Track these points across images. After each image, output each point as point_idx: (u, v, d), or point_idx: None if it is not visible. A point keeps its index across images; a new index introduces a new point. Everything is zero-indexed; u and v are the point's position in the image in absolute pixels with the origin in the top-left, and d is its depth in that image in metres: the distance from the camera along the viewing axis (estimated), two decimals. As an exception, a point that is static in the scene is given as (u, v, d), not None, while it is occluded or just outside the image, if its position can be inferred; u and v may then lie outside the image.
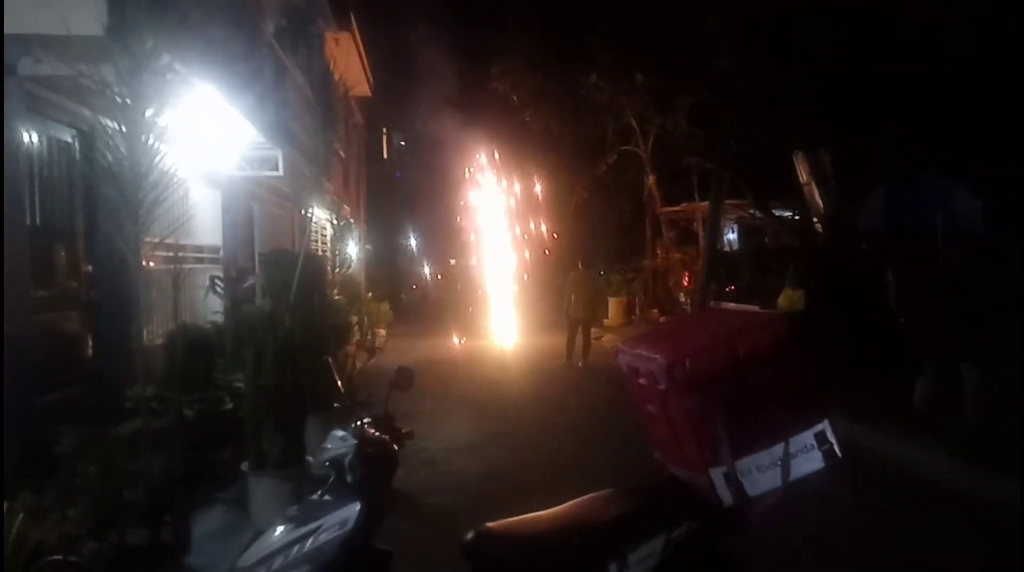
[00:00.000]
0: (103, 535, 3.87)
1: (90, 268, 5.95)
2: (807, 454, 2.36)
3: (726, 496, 2.32)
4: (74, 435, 4.22)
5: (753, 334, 2.33)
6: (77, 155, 5.86)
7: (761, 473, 2.34)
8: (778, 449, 2.34)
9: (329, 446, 2.49)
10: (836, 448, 2.37)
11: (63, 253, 5.78)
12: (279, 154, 8.61)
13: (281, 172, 8.72)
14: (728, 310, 2.72)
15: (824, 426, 2.38)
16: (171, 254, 5.89)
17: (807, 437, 2.36)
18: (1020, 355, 6.05)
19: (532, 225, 24.08)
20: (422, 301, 31.82)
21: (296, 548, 2.25)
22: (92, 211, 5.89)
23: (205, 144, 7.21)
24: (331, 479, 2.39)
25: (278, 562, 2.23)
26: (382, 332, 15.95)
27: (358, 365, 11.21)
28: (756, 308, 9.05)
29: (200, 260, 7.97)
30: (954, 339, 6.71)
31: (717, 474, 2.32)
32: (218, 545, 4.46)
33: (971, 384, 6.50)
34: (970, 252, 7.10)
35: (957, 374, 6.76)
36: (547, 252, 21.91)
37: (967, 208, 7.40)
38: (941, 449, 6.04)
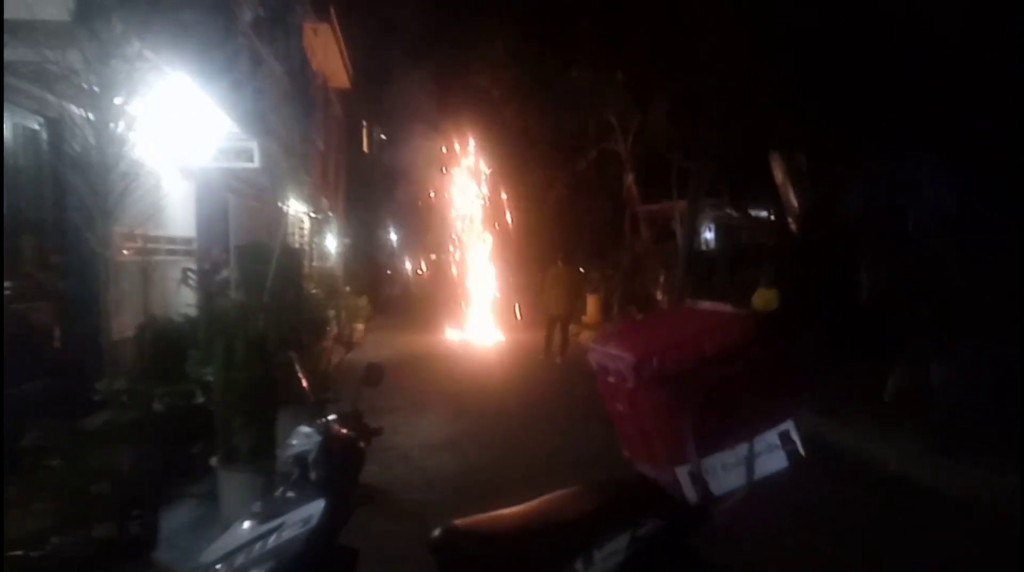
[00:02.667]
0: (69, 530, 3.80)
1: (59, 259, 5.83)
2: (771, 453, 2.38)
3: (691, 494, 2.33)
4: (39, 428, 4.14)
5: (720, 332, 2.34)
6: (45, 144, 5.73)
7: (726, 472, 2.35)
8: (743, 448, 2.35)
9: (294, 442, 2.46)
10: (800, 448, 2.39)
11: (31, 243, 5.66)
12: (255, 145, 8.50)
13: (257, 164, 8.60)
14: (697, 308, 2.71)
15: (788, 426, 2.40)
16: (142, 245, 5.79)
17: (772, 437, 2.38)
18: (997, 345, 6.12)
19: (511, 221, 24.00)
20: (402, 296, 31.71)
21: (259, 545, 2.22)
22: (61, 201, 5.77)
23: (178, 134, 7.09)
24: (295, 476, 2.37)
25: (240, 559, 2.20)
26: (360, 327, 15.84)
27: (334, 360, 11.12)
28: (728, 306, 9.14)
29: (173, 252, 7.84)
30: (925, 333, 6.81)
31: (683, 472, 2.33)
32: (187, 539, 4.39)
33: (939, 378, 6.61)
34: (942, 245, 7.21)
35: (927, 368, 6.88)
36: (523, 237, 21.90)
37: (938, 202, 7.52)
38: (910, 442, 6.15)
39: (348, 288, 15.79)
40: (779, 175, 11.57)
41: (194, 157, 8.02)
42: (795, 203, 11.33)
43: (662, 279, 16.96)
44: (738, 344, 2.33)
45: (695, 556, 2.49)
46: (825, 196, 10.51)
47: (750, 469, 2.33)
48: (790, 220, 11.65)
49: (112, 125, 4.03)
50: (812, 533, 4.59)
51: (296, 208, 13.64)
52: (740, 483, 2.34)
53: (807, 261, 10.05)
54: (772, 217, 13.17)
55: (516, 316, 18.10)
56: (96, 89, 3.93)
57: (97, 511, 4.13)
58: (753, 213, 14.58)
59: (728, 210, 15.18)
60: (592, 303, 18.27)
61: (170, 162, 7.42)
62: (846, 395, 7.81)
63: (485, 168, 20.91)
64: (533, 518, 2.48)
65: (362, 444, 2.53)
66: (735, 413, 2.35)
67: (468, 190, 21.03)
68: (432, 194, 24.49)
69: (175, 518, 4.85)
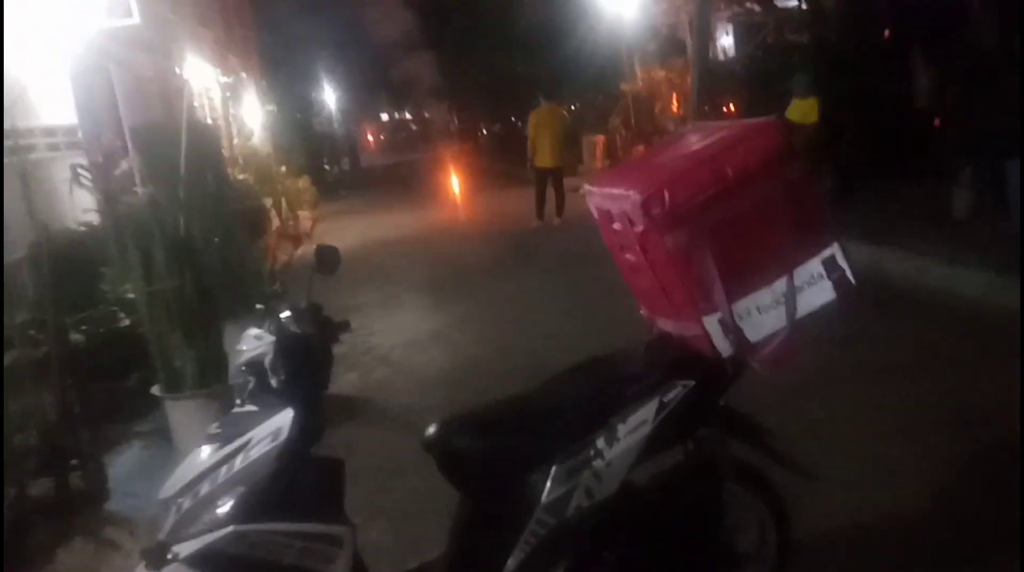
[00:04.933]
0: (-2, 491, 3.97)
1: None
2: (815, 285, 2.43)
3: (724, 346, 2.41)
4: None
5: (741, 148, 2.34)
6: None
7: (763, 314, 2.42)
8: (781, 284, 2.41)
9: (244, 348, 2.52)
10: (849, 274, 2.44)
11: None
12: (132, -6, 8.10)
13: (137, 19, 8.23)
14: (711, 125, 2.71)
15: (834, 250, 2.44)
16: (12, 143, 5.64)
17: (814, 266, 2.43)
18: None
19: (475, 55, 23.21)
20: (353, 170, 31.49)
21: (224, 469, 2.32)
22: None
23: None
24: (252, 386, 2.44)
25: (205, 487, 2.31)
26: (306, 214, 15.82)
27: (281, 258, 11.17)
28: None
29: (55, 147, 7.64)
30: (997, 131, 6.82)
31: (712, 322, 2.40)
32: (142, 485, 4.60)
33: (1016, 182, 6.69)
34: (1011, 23, 7.09)
35: (1001, 174, 6.96)
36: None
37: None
38: (983, 264, 6.31)
39: (283, 168, 15.60)
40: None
41: (56, 19, 7.65)
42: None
43: (674, 106, 16.74)
44: (764, 160, 2.33)
45: (734, 417, 2.63)
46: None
47: (791, 307, 2.40)
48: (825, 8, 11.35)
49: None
50: (868, 377, 4.81)
51: (199, 73, 13.19)
52: (781, 324, 2.41)
53: (849, 57, 9.88)
54: (803, 5, 12.77)
55: (501, 175, 18.02)
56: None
57: (29, 466, 4.29)
58: (780, 4, 14.14)
59: (748, 4, 14.68)
60: (592, 147, 18.13)
61: (26, 29, 7.09)
62: (906, 218, 7.94)
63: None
64: (543, 398, 2.60)
65: (328, 340, 2.60)
66: (768, 244, 2.39)
67: (419, 23, 20.30)
68: (376, 37, 23.63)
69: (123, 463, 5.07)
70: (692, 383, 2.50)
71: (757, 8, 13.97)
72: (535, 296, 8.43)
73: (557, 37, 20.66)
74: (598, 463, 2.42)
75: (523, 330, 7.16)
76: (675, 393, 2.49)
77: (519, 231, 12.65)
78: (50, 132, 7.54)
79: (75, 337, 5.44)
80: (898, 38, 10.11)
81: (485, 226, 14.15)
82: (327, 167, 27.83)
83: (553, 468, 2.41)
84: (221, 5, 16.95)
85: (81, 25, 7.98)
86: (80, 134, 8.09)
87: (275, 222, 13.39)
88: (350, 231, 15.05)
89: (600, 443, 2.43)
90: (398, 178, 27.41)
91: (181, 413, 4.72)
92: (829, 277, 2.44)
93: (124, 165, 7.55)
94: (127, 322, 5.78)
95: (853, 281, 2.45)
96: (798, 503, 2.80)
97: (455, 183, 19.05)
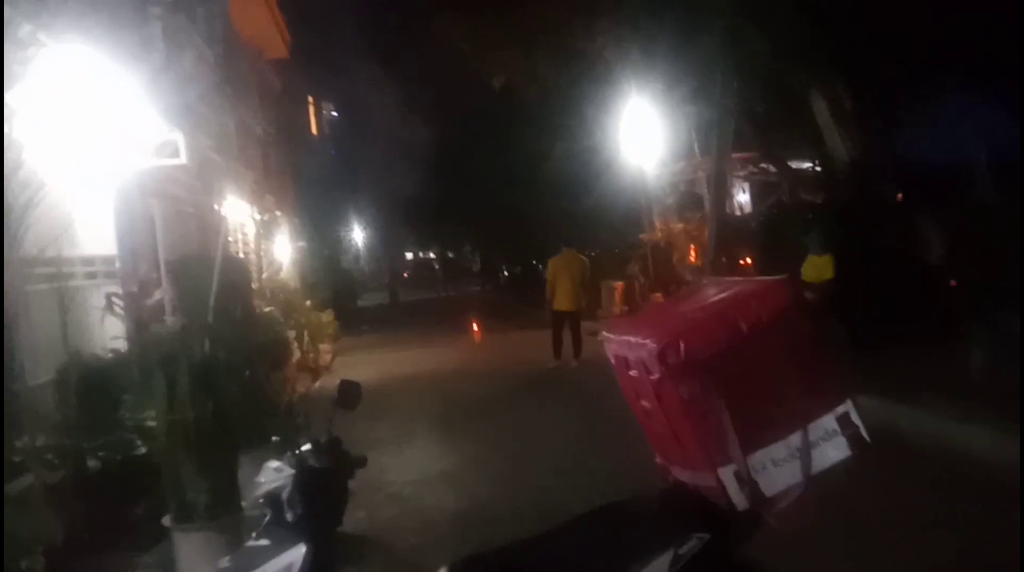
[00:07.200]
0: (-2, 618, 3.88)
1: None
2: (830, 441, 2.45)
3: (739, 499, 2.40)
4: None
5: (755, 303, 2.41)
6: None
7: (778, 468, 2.42)
8: (795, 438, 2.42)
9: (263, 480, 2.53)
10: (863, 432, 2.46)
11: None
12: (180, 137, 8.57)
13: (184, 159, 8.67)
14: (725, 280, 2.81)
15: (847, 407, 2.47)
16: (55, 270, 5.84)
17: (828, 421, 2.45)
18: None
19: (502, 202, 24.02)
20: (391, 305, 32.08)
21: (232, 606, 2.30)
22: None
23: (86, 131, 7.15)
24: (267, 518, 2.44)
25: (211, 624, 2.28)
26: (327, 348, 15.95)
27: (299, 390, 11.20)
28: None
29: (92, 275, 7.89)
30: (1011, 294, 6.91)
31: (726, 473, 2.40)
32: (142, 619, 4.48)
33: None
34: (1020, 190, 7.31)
35: (1018, 333, 6.97)
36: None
37: (1013, 135, 7.61)
38: (998, 424, 6.22)
39: (308, 302, 15.88)
40: (821, 117, 11.65)
41: (107, 157, 8.07)
42: (842, 151, 11.42)
43: (691, 257, 17.07)
44: (776, 316, 2.40)
45: (749, 571, 2.57)
46: (876, 138, 10.60)
47: (806, 462, 2.40)
48: (838, 171, 11.77)
49: (5, 126, 4.09)
50: (886, 535, 4.68)
51: (236, 210, 13.71)
52: (795, 480, 2.41)
53: (861, 219, 10.14)
54: (817, 167, 13.25)
55: (518, 314, 18.22)
56: (-18, 84, 3.99)
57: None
58: (794, 165, 14.70)
59: (763, 164, 15.26)
60: (611, 292, 18.37)
61: (79, 165, 7.48)
62: (920, 374, 7.91)
63: (460, 138, 20.98)
64: (555, 545, 2.56)
65: (345, 475, 2.61)
66: (782, 397, 2.43)
67: (445, 170, 21.14)
68: (404, 179, 24.58)
69: (124, 595, 4.94)
70: (707, 536, 2.46)
71: (772, 168, 14.50)
72: (549, 437, 8.36)
73: (580, 186, 21.40)
74: (611, 616, 2.36)
75: (536, 471, 7.06)
76: (690, 546, 2.45)
77: (536, 371, 12.67)
78: (89, 261, 7.81)
79: (90, 462, 5.44)
80: (909, 199, 10.41)
81: (503, 365, 14.17)
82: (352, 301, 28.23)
83: (565, 621, 2.36)
84: (262, 150, 17.82)
85: (131, 163, 8.40)
86: (117, 264, 8.37)
87: (296, 353, 13.52)
88: (369, 364, 15.11)
89: (613, 595, 2.38)
90: (419, 315, 27.74)
91: (189, 545, 4.63)
92: (843, 433, 2.45)
93: (157, 295, 7.75)
94: (143, 450, 5.76)
95: (867, 438, 2.46)
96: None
97: (474, 322, 19.29)
